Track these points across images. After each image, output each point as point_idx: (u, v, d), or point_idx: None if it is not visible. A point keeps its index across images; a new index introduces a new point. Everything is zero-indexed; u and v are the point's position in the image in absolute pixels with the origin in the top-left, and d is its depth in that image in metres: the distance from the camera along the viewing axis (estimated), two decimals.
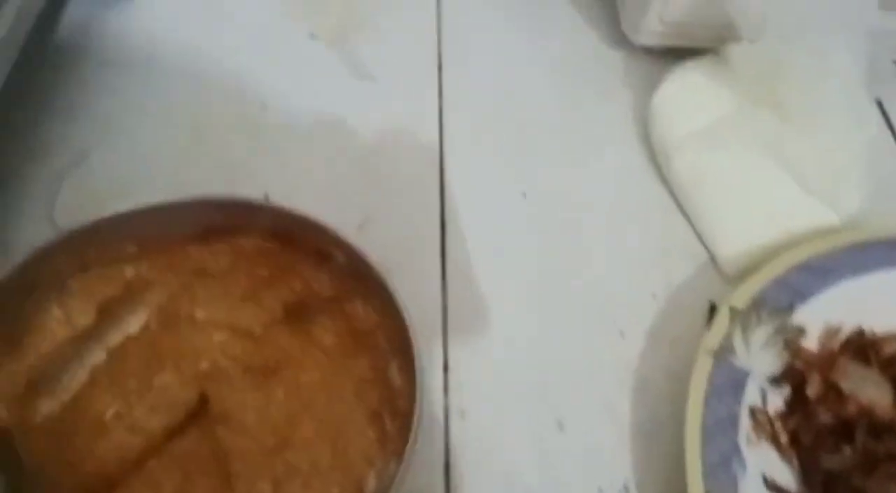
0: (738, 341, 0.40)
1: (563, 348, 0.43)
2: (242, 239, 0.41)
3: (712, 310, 0.45)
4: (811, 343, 0.41)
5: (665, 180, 0.50)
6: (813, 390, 0.40)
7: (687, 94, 0.51)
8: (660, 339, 0.44)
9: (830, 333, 0.42)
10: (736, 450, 0.37)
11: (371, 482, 0.35)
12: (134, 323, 0.39)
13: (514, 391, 0.41)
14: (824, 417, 0.40)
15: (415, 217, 0.47)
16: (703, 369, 0.39)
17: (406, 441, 0.33)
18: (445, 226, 0.47)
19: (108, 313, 0.39)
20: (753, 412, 0.39)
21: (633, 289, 0.45)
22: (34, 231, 0.44)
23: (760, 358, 0.40)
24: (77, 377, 0.38)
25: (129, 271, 0.40)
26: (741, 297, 0.41)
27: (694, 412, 0.37)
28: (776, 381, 0.40)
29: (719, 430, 0.37)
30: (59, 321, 0.38)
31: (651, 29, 0.53)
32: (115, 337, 0.39)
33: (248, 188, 0.47)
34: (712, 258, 0.47)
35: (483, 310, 0.44)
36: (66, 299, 0.38)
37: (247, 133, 0.50)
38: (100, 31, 0.54)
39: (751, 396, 0.39)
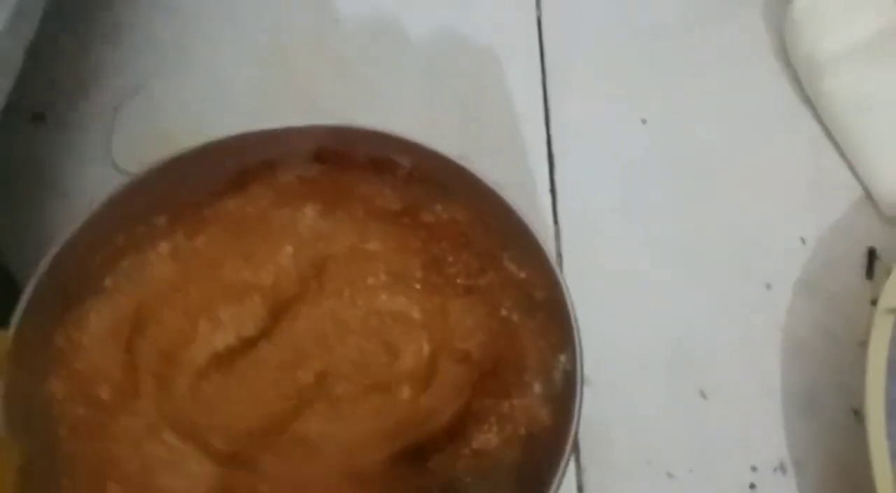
0: None
1: (700, 302, 0.37)
2: (281, 174, 0.33)
3: (871, 257, 0.39)
4: None
5: (810, 103, 0.42)
6: None
7: (835, 1, 0.43)
8: (812, 291, 0.38)
9: None
10: None
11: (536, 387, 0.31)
12: None
13: (647, 355, 0.36)
14: None
15: (518, 151, 0.41)
16: (882, 332, 0.33)
17: (568, 329, 0.29)
18: (553, 161, 0.41)
19: None
20: None
21: (778, 233, 0.39)
22: (92, 173, 0.38)
23: None
24: None
25: (163, 248, 0.33)
26: None
27: (875, 383, 0.32)
28: None
29: None
30: None
31: None
32: None
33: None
34: (868, 195, 0.40)
35: (604, 259, 0.38)
36: None
37: (321, 54, 0.44)
38: None
39: None
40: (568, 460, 0.27)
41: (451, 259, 0.33)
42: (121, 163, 0.39)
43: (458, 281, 0.33)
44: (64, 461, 0.27)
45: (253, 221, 0.33)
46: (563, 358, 0.30)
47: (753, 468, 0.34)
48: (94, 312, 0.30)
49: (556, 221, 0.39)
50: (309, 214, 0.33)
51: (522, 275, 0.32)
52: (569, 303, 0.29)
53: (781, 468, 0.34)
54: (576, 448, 0.34)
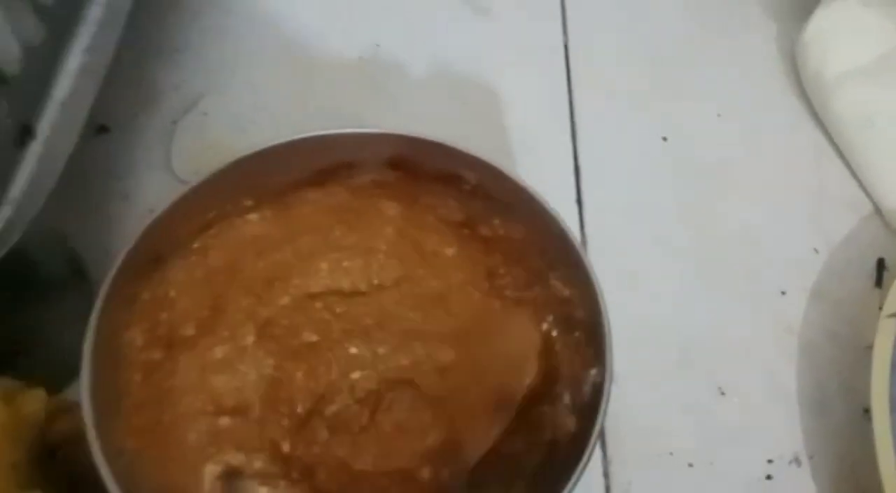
0: None
1: (721, 308, 0.40)
2: (357, 175, 0.35)
3: (880, 267, 0.41)
4: None
5: (820, 123, 0.45)
6: None
7: (843, 26, 0.46)
8: (825, 299, 0.40)
9: None
10: None
11: (566, 397, 0.32)
12: None
13: (670, 356, 0.38)
14: None
15: (546, 166, 0.44)
16: (886, 335, 0.35)
17: (602, 348, 0.30)
18: (580, 175, 0.44)
19: None
20: None
21: (793, 244, 0.42)
22: (153, 179, 0.41)
23: None
24: None
25: (253, 217, 0.35)
26: None
27: (879, 382, 0.34)
28: None
29: None
30: None
31: None
32: None
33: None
34: (877, 210, 0.43)
35: (626, 266, 0.41)
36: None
37: (360, 75, 0.47)
38: None
39: None
40: (586, 465, 0.28)
41: (502, 271, 0.35)
42: (179, 172, 0.42)
43: (507, 293, 0.35)
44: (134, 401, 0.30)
45: (340, 207, 0.35)
46: (593, 372, 0.31)
47: (770, 461, 0.36)
48: (182, 269, 0.32)
49: (582, 231, 0.42)
50: (393, 207, 0.35)
51: (566, 293, 0.33)
52: (606, 325, 0.31)
53: (796, 460, 0.36)
54: (602, 440, 0.36)
